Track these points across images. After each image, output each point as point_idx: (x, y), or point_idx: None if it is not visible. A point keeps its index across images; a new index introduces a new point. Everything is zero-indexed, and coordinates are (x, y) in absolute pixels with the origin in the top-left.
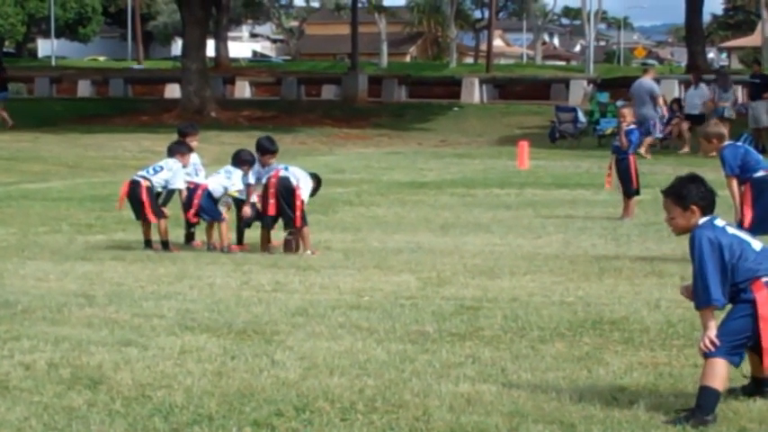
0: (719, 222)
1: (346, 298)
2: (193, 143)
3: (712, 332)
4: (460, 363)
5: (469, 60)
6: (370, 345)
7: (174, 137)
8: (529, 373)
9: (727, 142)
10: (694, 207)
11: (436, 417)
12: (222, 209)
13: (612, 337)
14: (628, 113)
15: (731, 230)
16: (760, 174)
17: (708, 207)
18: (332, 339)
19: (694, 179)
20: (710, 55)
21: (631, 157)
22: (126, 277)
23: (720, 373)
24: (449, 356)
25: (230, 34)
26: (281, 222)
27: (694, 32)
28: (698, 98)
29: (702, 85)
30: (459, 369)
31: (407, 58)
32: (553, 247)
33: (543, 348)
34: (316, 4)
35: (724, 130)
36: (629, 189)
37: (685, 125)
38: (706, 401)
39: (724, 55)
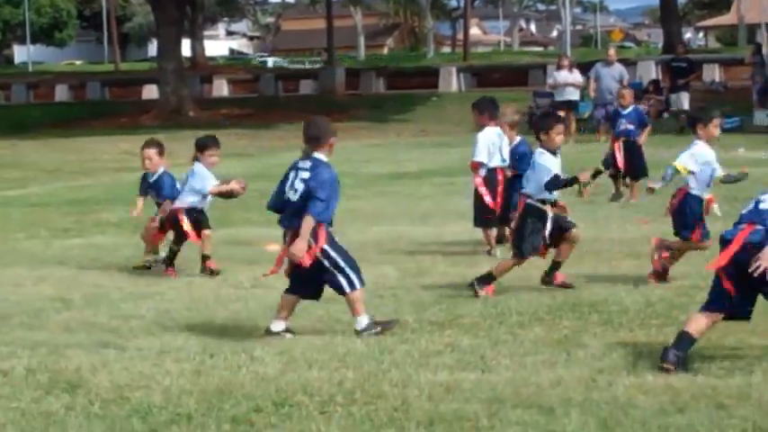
0: None
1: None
2: (213, 158)
3: None
4: (440, 351)
5: (447, 50)
6: (349, 337)
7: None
8: (508, 359)
9: None
10: None
11: (415, 406)
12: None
13: (591, 319)
14: (627, 94)
15: None
16: None
17: None
18: (311, 333)
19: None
20: (687, 35)
21: (639, 139)
22: (103, 279)
23: None
24: (428, 346)
25: (206, 33)
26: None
27: (670, 13)
28: (571, 81)
29: (576, 71)
30: (438, 358)
31: (385, 50)
32: None
33: (522, 333)
34: (291, 0)
35: None
36: (639, 171)
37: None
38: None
39: (701, 34)
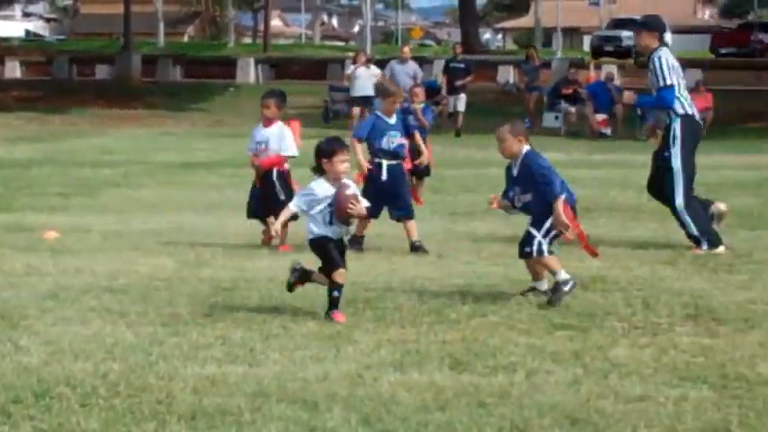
0: None
1: (100, 281)
2: (344, 165)
3: None
4: (210, 344)
5: (248, 40)
6: (119, 328)
7: None
8: (277, 353)
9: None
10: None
11: (179, 399)
12: None
13: (365, 315)
14: (419, 92)
15: None
16: None
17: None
18: (81, 323)
19: None
20: (486, 35)
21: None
22: None
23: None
24: (198, 338)
25: (1, 13)
26: None
27: (468, 13)
28: (367, 78)
29: (372, 66)
30: (207, 351)
31: (185, 38)
32: None
33: (295, 328)
34: None
35: None
36: (423, 170)
37: (357, 109)
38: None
39: (499, 36)
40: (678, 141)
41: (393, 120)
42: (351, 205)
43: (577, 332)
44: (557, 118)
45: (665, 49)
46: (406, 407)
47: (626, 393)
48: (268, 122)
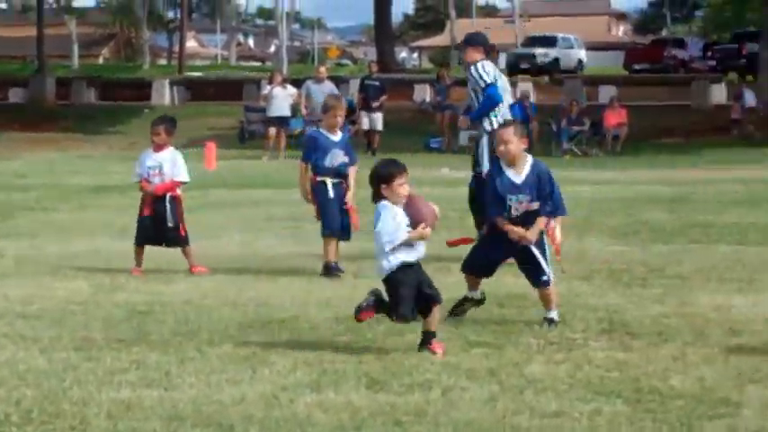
0: None
1: (14, 306)
2: (404, 187)
3: None
4: (124, 369)
5: (164, 62)
6: (32, 354)
7: None
8: (193, 377)
9: None
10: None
11: (94, 425)
12: None
13: (281, 336)
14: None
15: None
16: None
17: None
18: None
19: None
20: (403, 54)
21: None
22: None
23: None
24: (113, 363)
25: None
26: None
27: (383, 32)
28: (283, 99)
29: (289, 86)
30: (122, 375)
31: (100, 60)
32: (231, 248)
33: (210, 351)
34: (3, 6)
35: None
36: None
37: (273, 130)
38: None
39: (415, 54)
40: (486, 157)
41: (338, 136)
42: (433, 206)
43: (493, 349)
44: None
45: (486, 61)
46: (322, 427)
47: (541, 409)
48: (159, 148)
